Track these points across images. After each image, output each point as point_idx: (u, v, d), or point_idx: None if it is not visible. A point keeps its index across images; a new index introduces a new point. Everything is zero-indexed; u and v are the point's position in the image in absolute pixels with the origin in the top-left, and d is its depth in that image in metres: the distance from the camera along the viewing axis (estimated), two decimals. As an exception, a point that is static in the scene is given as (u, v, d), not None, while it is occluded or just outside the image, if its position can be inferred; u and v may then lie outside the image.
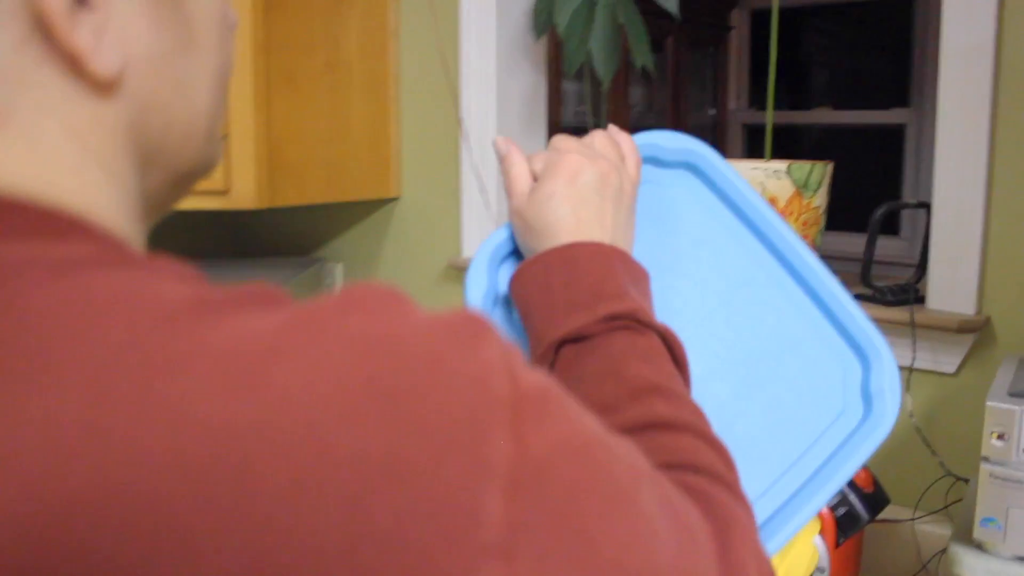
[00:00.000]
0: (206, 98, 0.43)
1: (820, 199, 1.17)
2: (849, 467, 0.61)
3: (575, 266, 0.54)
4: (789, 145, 3.30)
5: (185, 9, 0.41)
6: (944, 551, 1.08)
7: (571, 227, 0.57)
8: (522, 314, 0.57)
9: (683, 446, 0.47)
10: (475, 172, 1.52)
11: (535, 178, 0.61)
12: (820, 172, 1.16)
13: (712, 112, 3.09)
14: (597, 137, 0.64)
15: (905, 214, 2.82)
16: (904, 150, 2.91)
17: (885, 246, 2.96)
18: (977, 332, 1.06)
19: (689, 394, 0.52)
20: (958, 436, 1.09)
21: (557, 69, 1.96)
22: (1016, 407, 0.79)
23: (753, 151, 3.34)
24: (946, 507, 1.10)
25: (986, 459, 0.81)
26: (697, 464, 0.46)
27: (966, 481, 1.07)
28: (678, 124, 2.82)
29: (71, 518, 0.27)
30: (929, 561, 1.09)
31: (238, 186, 1.41)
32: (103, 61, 0.36)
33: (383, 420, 0.29)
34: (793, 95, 3.36)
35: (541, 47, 1.59)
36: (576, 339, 0.52)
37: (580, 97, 2.76)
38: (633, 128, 0.72)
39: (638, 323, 0.52)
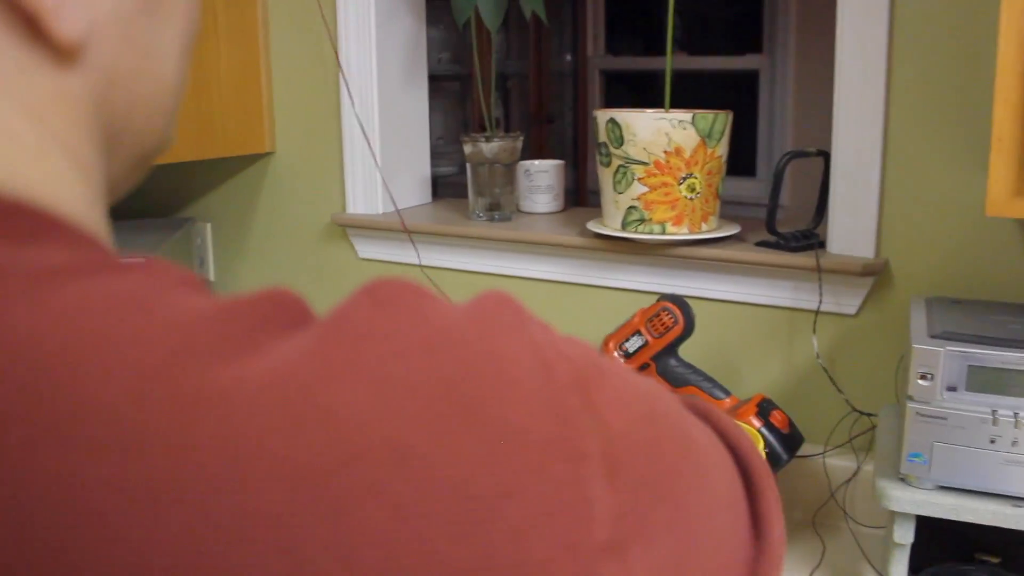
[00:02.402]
0: (173, 68, 0.37)
1: (723, 148, 1.19)
2: None
3: None
4: (645, 91, 3.35)
5: None
6: (850, 480, 1.14)
7: None
8: None
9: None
10: (358, 122, 1.45)
11: None
12: (723, 121, 1.17)
13: (570, 58, 3.09)
14: None
15: (760, 157, 2.93)
16: (758, 95, 3.01)
17: (741, 187, 3.08)
18: (877, 275, 1.10)
19: None
20: (860, 373, 1.14)
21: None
22: (939, 348, 0.83)
23: (611, 97, 3.37)
24: (850, 440, 1.15)
25: (911, 398, 0.85)
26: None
27: (869, 415, 1.13)
28: (540, 71, 2.80)
29: None
30: (836, 491, 1.14)
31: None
32: (67, 22, 0.30)
33: (473, 435, 0.25)
34: (647, 41, 3.41)
35: (423, -7, 1.53)
36: None
37: (441, 44, 2.70)
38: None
39: None
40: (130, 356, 0.24)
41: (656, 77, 3.38)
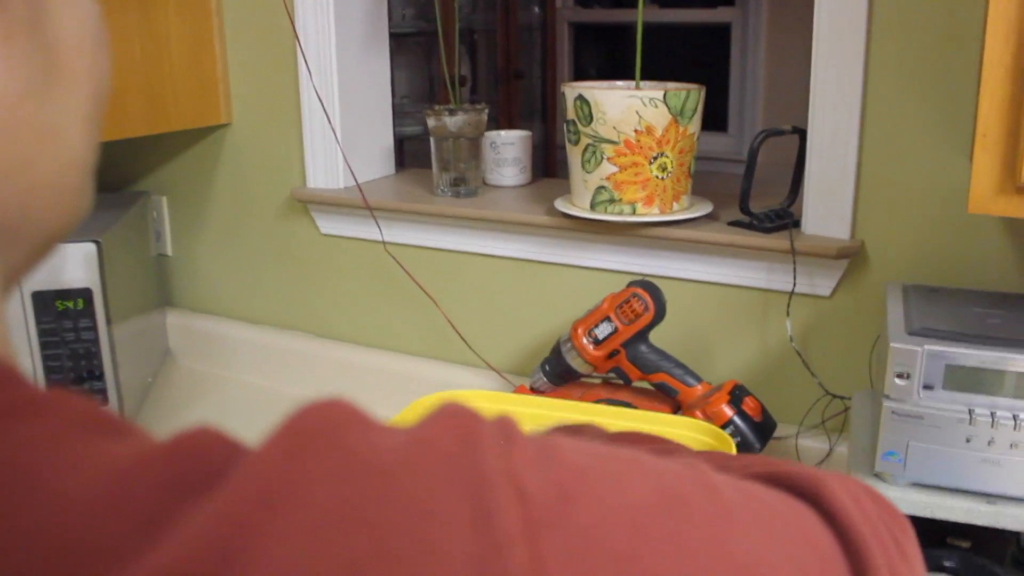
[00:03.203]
0: (79, 142, 0.32)
1: (695, 126, 1.15)
2: None
3: None
4: (616, 43, 3.29)
5: (46, 32, 0.30)
6: (822, 462, 1.12)
7: None
8: None
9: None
10: (316, 96, 1.39)
11: None
12: (695, 98, 1.13)
13: (538, 11, 3.01)
14: None
15: (732, 112, 2.88)
16: (730, 48, 2.95)
17: (713, 142, 3.03)
18: (852, 257, 1.07)
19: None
20: (833, 355, 1.12)
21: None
22: (917, 347, 0.80)
23: (579, 49, 3.30)
24: (823, 422, 1.13)
25: (887, 396, 0.82)
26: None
27: (842, 399, 1.11)
28: (507, 24, 2.72)
29: None
30: (806, 477, 1.13)
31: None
32: None
33: None
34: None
35: (381, -45, 1.46)
36: None
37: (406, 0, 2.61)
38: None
39: None
40: (7, 561, 0.21)
41: (627, 30, 3.30)
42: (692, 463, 0.32)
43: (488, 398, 0.90)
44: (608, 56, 3.42)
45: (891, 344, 0.81)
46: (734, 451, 0.79)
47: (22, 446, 0.23)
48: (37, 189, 0.30)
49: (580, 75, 3.43)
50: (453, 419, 0.26)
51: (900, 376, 0.81)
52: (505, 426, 0.26)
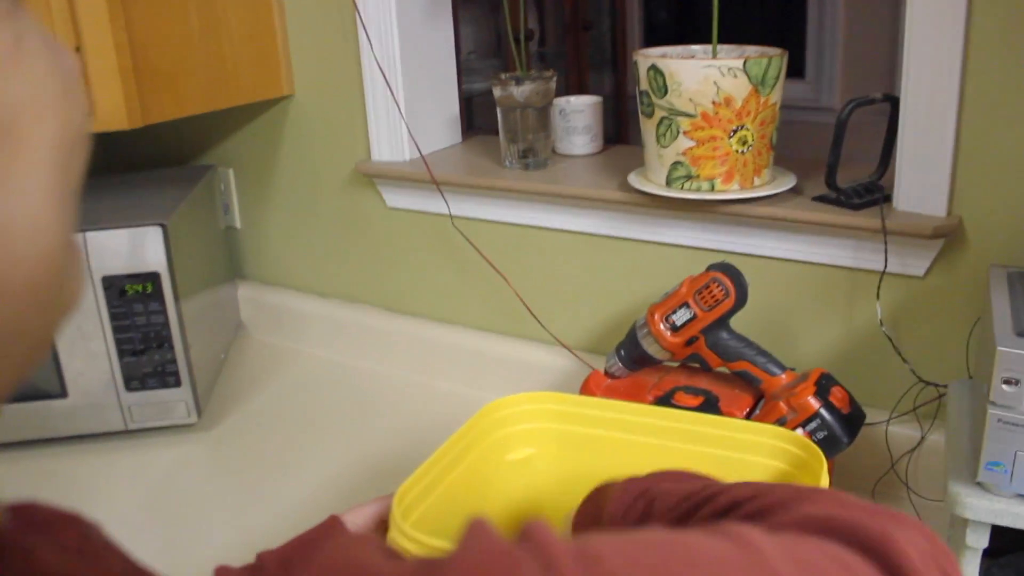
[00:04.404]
0: (52, 224, 0.27)
1: (777, 94, 1.07)
2: None
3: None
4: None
5: None
6: (913, 451, 1.07)
7: None
8: None
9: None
10: (378, 67, 1.35)
11: None
12: (777, 65, 1.05)
13: (607, -46, 2.89)
14: None
15: (809, 58, 2.74)
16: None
17: (789, 88, 2.89)
18: (949, 236, 1.00)
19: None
20: (927, 340, 1.05)
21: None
22: (1028, 350, 0.74)
23: (650, -7, 3.17)
24: (914, 409, 1.07)
25: (993, 404, 0.76)
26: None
27: (937, 386, 1.05)
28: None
29: None
30: (897, 461, 1.08)
31: (104, 105, 1.21)
32: None
33: None
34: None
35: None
36: None
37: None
38: None
39: None
40: None
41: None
42: (742, 537, 0.33)
43: (551, 400, 0.86)
44: (678, 4, 3.28)
45: (998, 348, 0.74)
46: (821, 460, 0.74)
47: None
48: (5, 294, 0.26)
49: (650, 25, 3.30)
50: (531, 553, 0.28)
51: (1008, 383, 0.75)
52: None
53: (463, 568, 0.29)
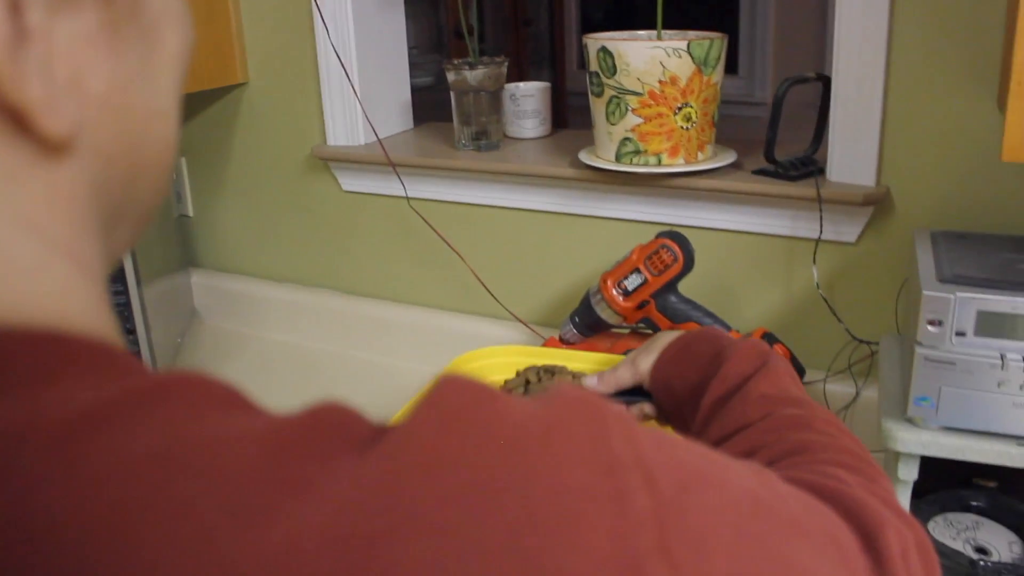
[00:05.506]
0: (175, 120, 0.33)
1: (718, 75, 1.15)
2: None
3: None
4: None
5: (146, 13, 0.30)
6: (850, 406, 1.15)
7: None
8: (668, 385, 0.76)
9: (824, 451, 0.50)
10: (333, 51, 1.39)
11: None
12: (719, 47, 1.12)
13: (545, -47, 2.96)
14: None
15: (742, 54, 2.86)
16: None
17: (724, 84, 3.00)
18: (878, 203, 1.08)
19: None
20: (859, 301, 1.14)
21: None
22: (949, 295, 0.82)
23: (586, -8, 3.26)
24: (850, 367, 1.15)
25: (919, 343, 0.84)
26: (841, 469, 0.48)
27: (869, 344, 1.13)
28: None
29: None
30: (836, 415, 1.15)
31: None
32: (58, 115, 0.26)
33: None
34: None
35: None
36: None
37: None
38: None
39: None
40: (170, 532, 0.22)
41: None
42: (760, 471, 0.34)
43: (519, 352, 0.92)
44: (614, 1, 3.38)
45: (923, 292, 0.82)
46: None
47: (161, 428, 0.24)
48: (141, 171, 0.31)
49: (587, 21, 3.39)
50: (580, 404, 0.27)
51: (932, 323, 0.83)
52: (626, 417, 0.28)
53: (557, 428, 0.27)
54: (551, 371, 0.88)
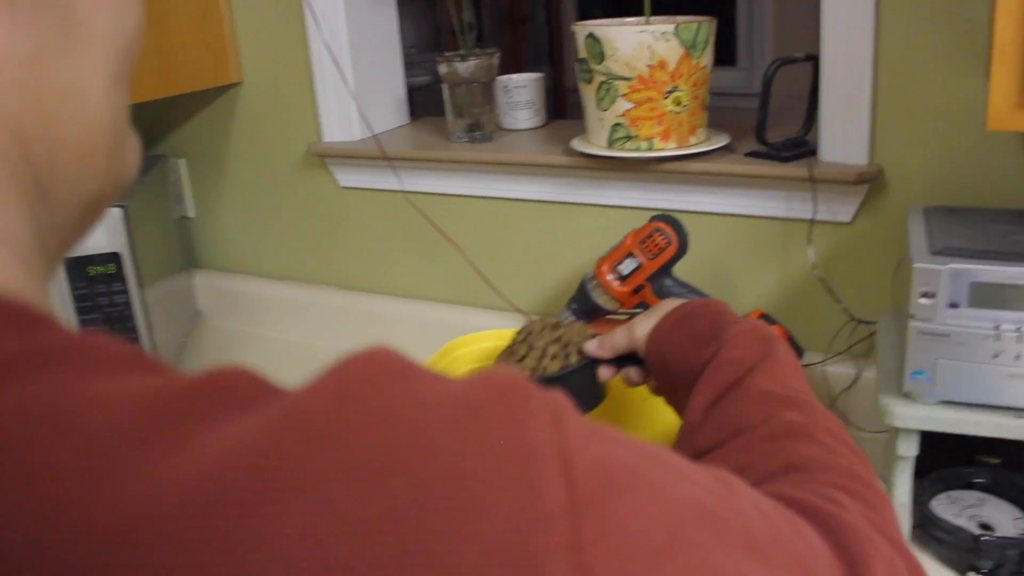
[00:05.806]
0: (102, 103, 0.32)
1: (707, 58, 1.14)
2: None
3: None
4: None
5: None
6: (850, 387, 1.14)
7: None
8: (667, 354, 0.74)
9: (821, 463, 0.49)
10: (326, 48, 1.39)
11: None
12: (707, 30, 1.12)
13: (541, -50, 2.96)
14: None
15: (740, 46, 2.85)
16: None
17: (722, 77, 3.00)
18: (871, 182, 1.08)
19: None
20: (857, 281, 1.13)
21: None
22: (940, 267, 0.81)
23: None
24: (849, 348, 1.15)
25: (913, 316, 0.84)
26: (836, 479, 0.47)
27: (868, 323, 1.12)
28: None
29: None
30: (837, 398, 1.15)
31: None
32: None
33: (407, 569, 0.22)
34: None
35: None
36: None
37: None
38: None
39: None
40: (19, 490, 0.22)
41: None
42: (727, 481, 0.32)
43: (509, 337, 0.92)
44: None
45: (914, 264, 0.82)
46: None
47: (48, 387, 0.24)
48: (63, 148, 0.31)
49: (585, 17, 3.39)
50: (503, 388, 0.26)
51: (925, 296, 0.82)
52: (557, 403, 0.26)
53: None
54: (556, 325, 0.88)
